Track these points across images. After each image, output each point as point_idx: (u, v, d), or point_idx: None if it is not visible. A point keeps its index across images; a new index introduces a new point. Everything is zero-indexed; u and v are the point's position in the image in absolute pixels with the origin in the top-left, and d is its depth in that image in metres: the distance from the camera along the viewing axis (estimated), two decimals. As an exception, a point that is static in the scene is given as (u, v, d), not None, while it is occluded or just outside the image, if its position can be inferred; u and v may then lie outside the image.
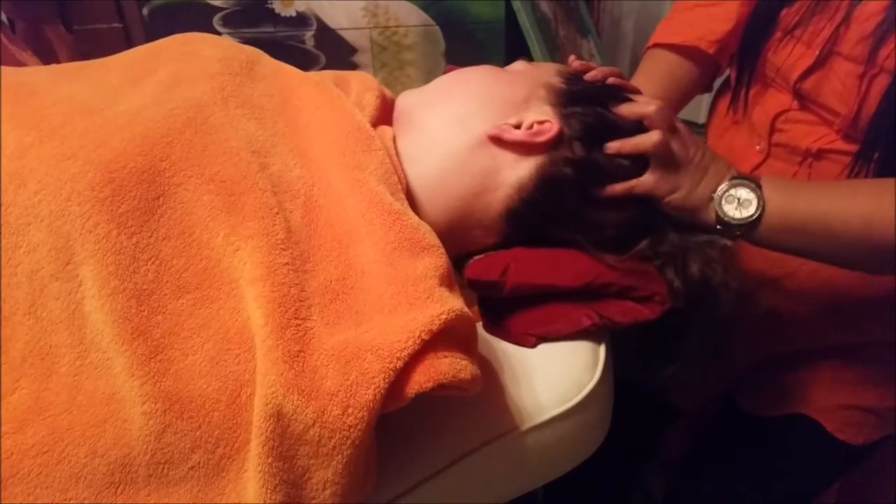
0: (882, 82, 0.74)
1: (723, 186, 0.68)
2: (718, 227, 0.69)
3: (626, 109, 0.68)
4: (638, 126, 0.68)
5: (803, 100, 0.84)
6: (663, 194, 0.68)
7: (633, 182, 0.67)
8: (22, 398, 0.46)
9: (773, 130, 0.87)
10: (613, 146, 0.66)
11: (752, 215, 0.67)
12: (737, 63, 0.92)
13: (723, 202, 0.68)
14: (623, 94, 0.71)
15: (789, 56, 0.83)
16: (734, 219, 0.68)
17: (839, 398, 0.89)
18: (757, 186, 0.68)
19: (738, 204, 0.68)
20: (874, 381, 0.89)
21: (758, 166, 0.88)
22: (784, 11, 0.84)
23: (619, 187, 0.67)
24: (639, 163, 0.67)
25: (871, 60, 0.74)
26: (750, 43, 0.89)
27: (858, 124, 0.78)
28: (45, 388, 0.46)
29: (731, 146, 0.93)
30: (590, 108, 0.68)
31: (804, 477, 0.92)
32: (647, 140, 0.66)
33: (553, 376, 0.63)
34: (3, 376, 0.46)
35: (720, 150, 0.80)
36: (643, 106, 0.68)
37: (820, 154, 0.83)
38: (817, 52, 0.79)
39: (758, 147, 0.89)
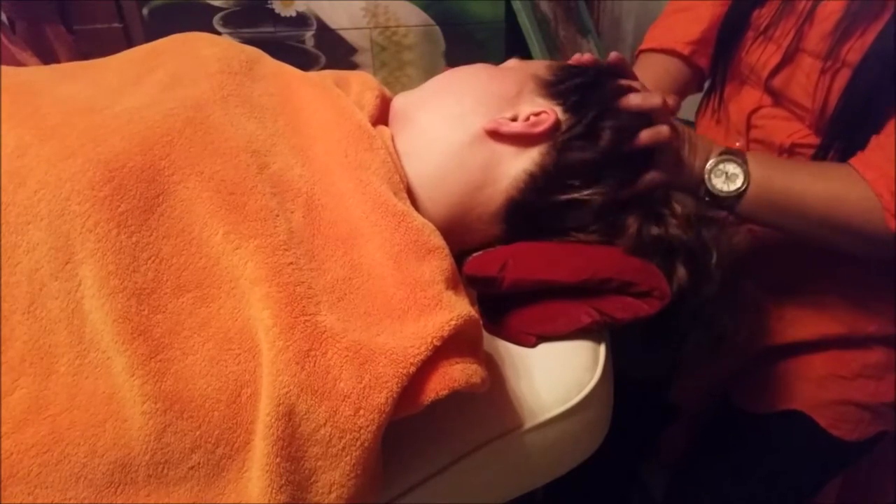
0: (844, 76, 0.77)
1: (711, 161, 0.72)
2: (707, 199, 0.72)
3: (634, 102, 0.69)
4: (638, 114, 0.69)
5: (775, 96, 0.88)
6: (674, 181, 0.71)
7: (647, 177, 0.69)
8: (21, 398, 0.46)
9: (749, 127, 0.91)
10: (641, 137, 0.68)
11: (738, 188, 0.72)
12: (712, 62, 0.96)
13: (712, 176, 0.72)
14: (613, 81, 0.71)
15: (762, 55, 0.86)
16: (722, 192, 0.72)
17: (833, 394, 0.89)
18: (743, 161, 0.72)
19: (727, 178, 0.72)
20: (868, 377, 0.89)
21: None
22: (756, 13, 0.88)
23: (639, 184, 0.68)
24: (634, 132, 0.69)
25: (832, 56, 0.78)
26: (724, 43, 0.93)
27: (825, 118, 0.81)
28: (44, 387, 0.46)
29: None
30: (579, 94, 0.68)
31: (800, 473, 0.92)
32: (662, 132, 0.68)
33: (553, 376, 0.63)
34: (3, 376, 0.46)
35: None
36: (650, 98, 0.69)
37: (793, 149, 0.86)
38: (784, 50, 0.83)
39: (738, 144, 0.92)
